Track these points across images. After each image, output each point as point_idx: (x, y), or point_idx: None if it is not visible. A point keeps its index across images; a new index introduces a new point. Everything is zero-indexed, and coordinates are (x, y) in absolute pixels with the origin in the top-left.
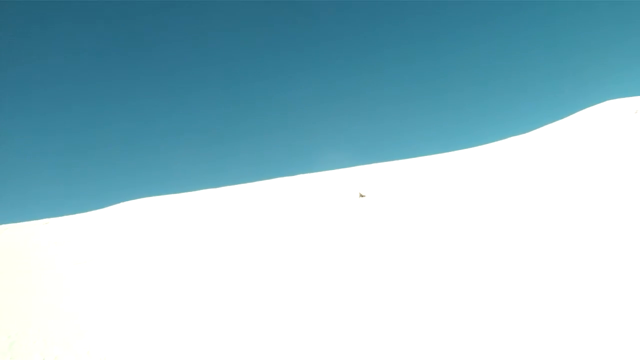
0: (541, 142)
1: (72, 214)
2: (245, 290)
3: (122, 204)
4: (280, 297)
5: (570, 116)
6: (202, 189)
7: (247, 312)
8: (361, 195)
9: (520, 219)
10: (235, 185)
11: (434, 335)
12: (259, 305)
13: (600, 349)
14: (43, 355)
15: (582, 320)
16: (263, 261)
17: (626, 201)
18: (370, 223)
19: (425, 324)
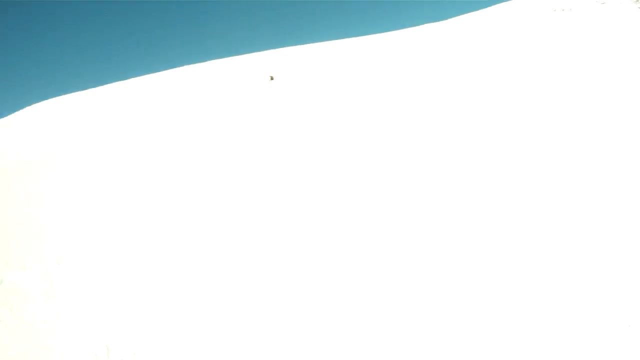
0: (456, 31)
1: None
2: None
3: (30, 107)
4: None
5: (490, 7)
6: (108, 83)
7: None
8: (271, 78)
9: (432, 109)
10: (145, 76)
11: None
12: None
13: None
14: None
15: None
16: (171, 156)
17: (547, 97)
18: (281, 107)
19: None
